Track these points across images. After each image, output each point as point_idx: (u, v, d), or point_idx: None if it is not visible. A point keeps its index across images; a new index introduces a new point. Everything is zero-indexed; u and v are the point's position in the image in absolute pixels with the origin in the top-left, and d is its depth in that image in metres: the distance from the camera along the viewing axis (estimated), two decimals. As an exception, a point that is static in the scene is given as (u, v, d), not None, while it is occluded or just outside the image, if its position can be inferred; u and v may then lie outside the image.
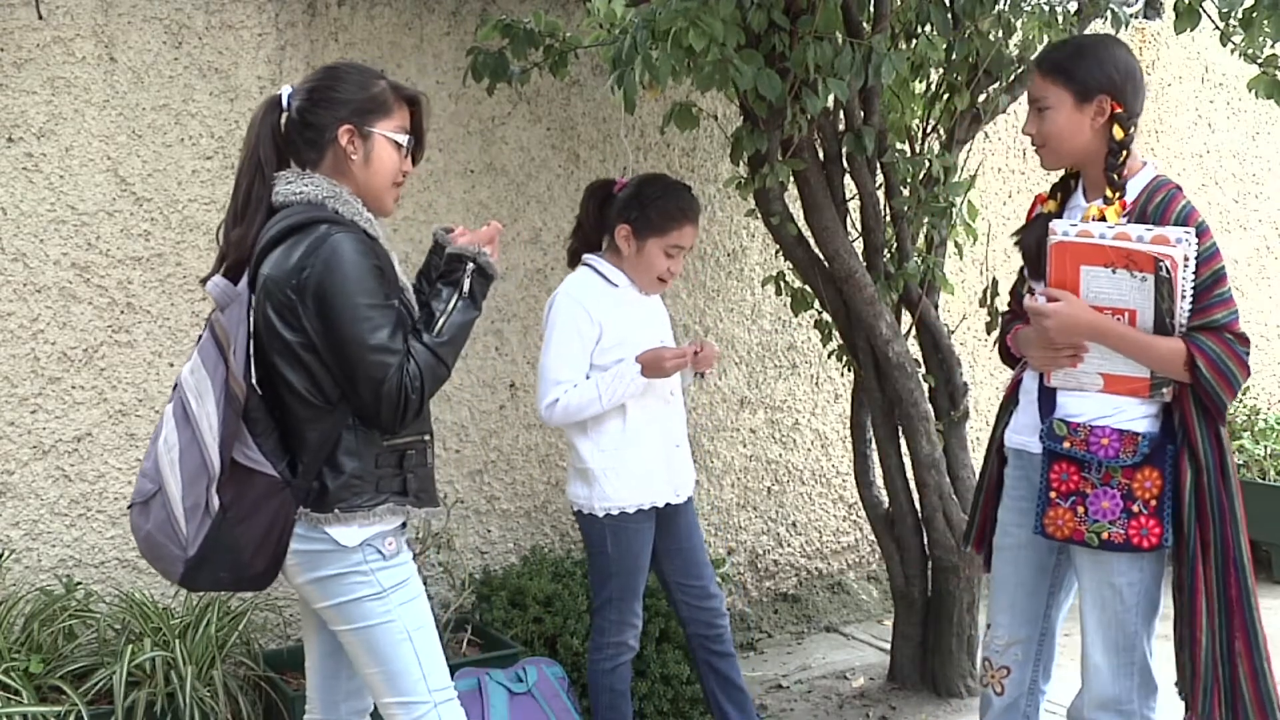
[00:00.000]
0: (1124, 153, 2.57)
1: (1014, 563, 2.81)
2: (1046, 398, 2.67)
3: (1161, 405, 2.58)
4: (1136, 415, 2.58)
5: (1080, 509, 2.58)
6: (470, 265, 2.42)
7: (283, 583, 2.44)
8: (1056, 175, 2.83)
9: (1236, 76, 5.37)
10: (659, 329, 3.30)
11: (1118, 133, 2.56)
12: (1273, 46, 3.44)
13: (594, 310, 3.16)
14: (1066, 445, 2.60)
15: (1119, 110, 2.56)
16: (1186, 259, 2.47)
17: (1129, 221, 2.54)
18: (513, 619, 3.80)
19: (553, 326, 3.18)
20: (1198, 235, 2.49)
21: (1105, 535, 2.56)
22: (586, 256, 3.28)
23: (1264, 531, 5.13)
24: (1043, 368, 2.67)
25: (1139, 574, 2.60)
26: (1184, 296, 2.49)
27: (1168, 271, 2.45)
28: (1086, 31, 3.89)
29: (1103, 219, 2.55)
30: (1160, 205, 2.55)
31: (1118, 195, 2.57)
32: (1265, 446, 5.34)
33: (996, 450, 2.87)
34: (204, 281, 2.40)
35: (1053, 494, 2.62)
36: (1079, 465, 2.59)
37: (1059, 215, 2.69)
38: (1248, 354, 2.53)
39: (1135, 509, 2.54)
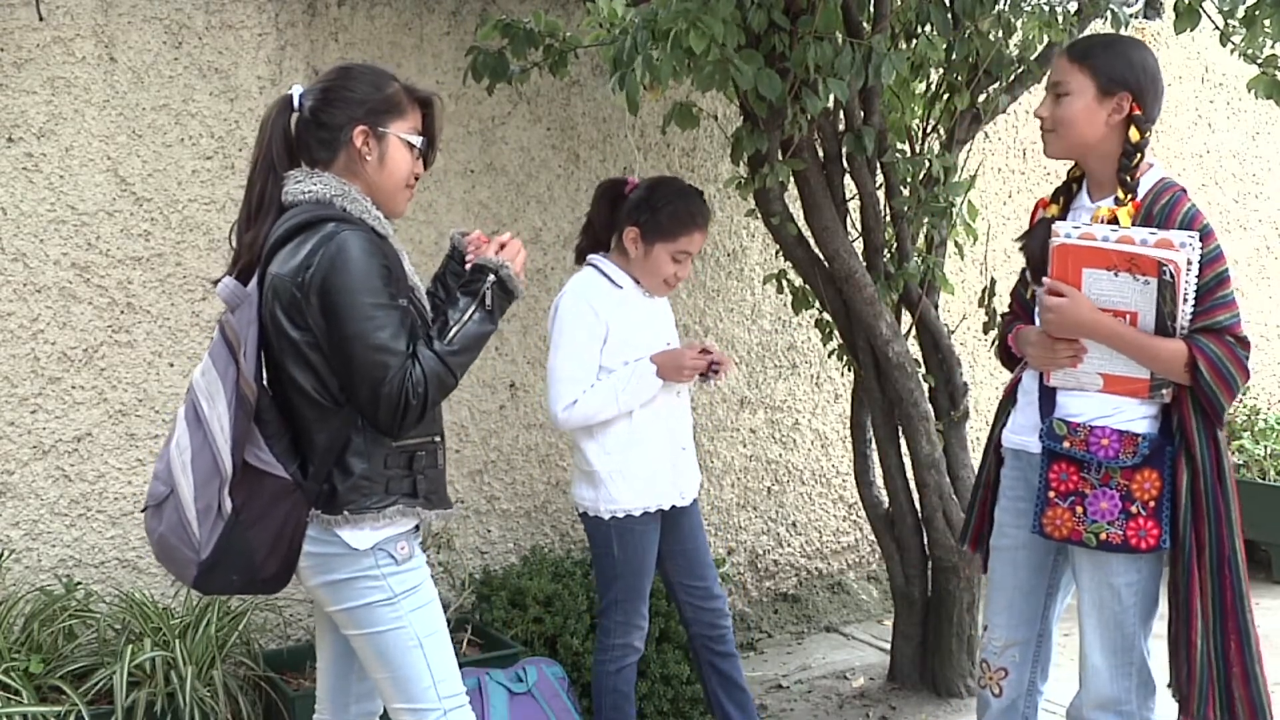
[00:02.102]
0: (1138, 155, 2.56)
1: (1011, 564, 2.81)
2: (1047, 397, 2.67)
3: (1161, 406, 2.58)
4: (1136, 416, 2.58)
5: (1079, 509, 2.58)
6: (492, 277, 2.41)
7: (282, 582, 2.44)
8: (1058, 175, 2.82)
9: (1236, 76, 5.37)
10: (663, 330, 3.29)
11: (1134, 135, 2.56)
12: (1273, 46, 3.44)
13: (600, 310, 3.15)
14: (1066, 445, 2.59)
15: (1138, 112, 2.56)
16: (1190, 263, 2.46)
17: (1136, 223, 2.54)
18: (513, 619, 3.80)
19: (561, 328, 3.16)
20: (1202, 238, 2.49)
21: (1103, 536, 2.56)
22: (591, 257, 3.27)
23: (1264, 531, 5.13)
24: (1042, 367, 2.67)
25: (1137, 575, 2.60)
26: (1186, 300, 2.49)
27: (1171, 276, 2.45)
28: (1086, 32, 3.89)
29: (1114, 220, 2.54)
30: (1166, 207, 2.54)
31: (1130, 197, 2.56)
32: (1265, 446, 5.34)
33: (994, 450, 2.87)
34: (216, 283, 2.40)
35: (1051, 494, 2.61)
36: (1078, 465, 2.59)
37: (1062, 219, 2.69)
38: (1248, 357, 2.53)
39: (1134, 510, 2.54)
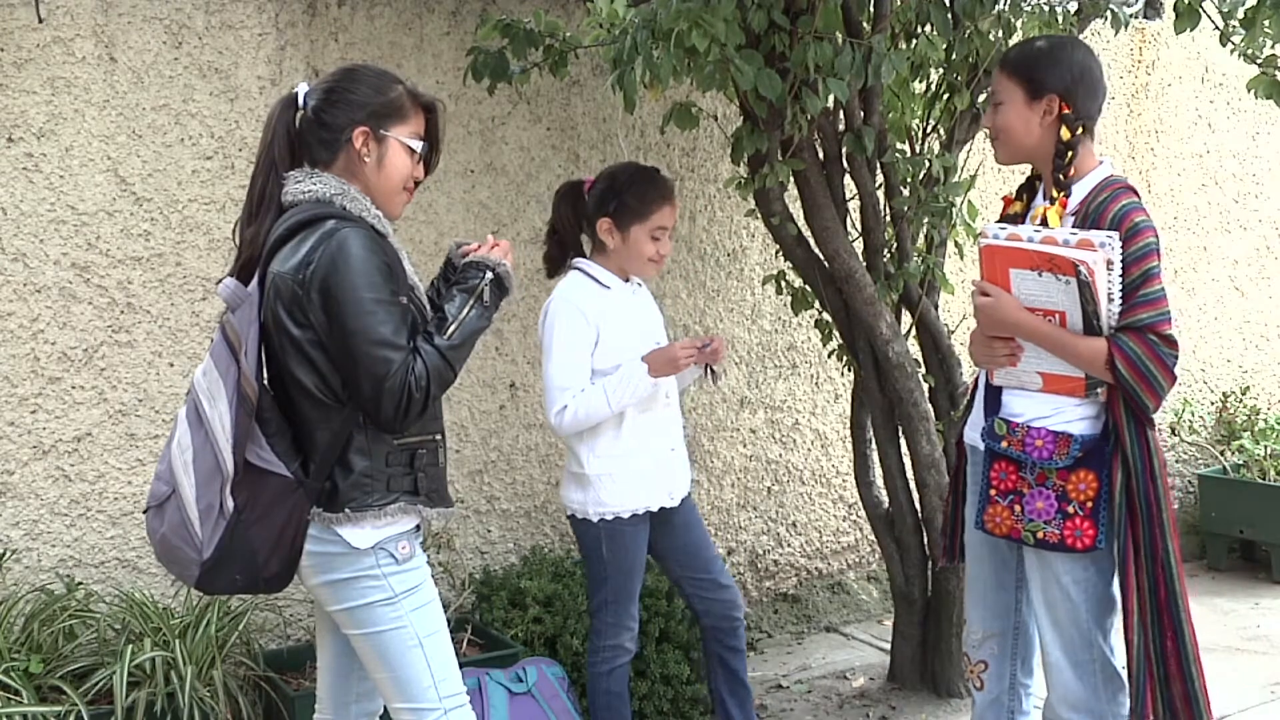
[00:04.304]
0: (1069, 154, 2.61)
1: (977, 558, 2.87)
2: (992, 396, 2.72)
3: (1102, 407, 2.60)
4: (1073, 417, 2.61)
5: (1017, 507, 2.63)
6: (489, 274, 2.43)
7: (282, 582, 2.44)
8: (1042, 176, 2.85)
9: (1236, 76, 5.36)
10: (650, 328, 3.29)
11: (1064, 134, 2.61)
12: (1273, 47, 3.45)
13: (590, 313, 3.14)
14: (1005, 445, 2.64)
15: (1067, 111, 2.60)
16: (1110, 263, 2.49)
17: (1074, 221, 2.58)
18: (513, 619, 3.80)
19: (551, 333, 3.16)
20: (1133, 235, 2.50)
21: (1040, 535, 2.60)
22: (576, 261, 3.27)
23: (1264, 531, 5.14)
24: (983, 365, 2.73)
25: (1083, 573, 2.63)
26: (1111, 299, 2.51)
27: (1086, 275, 2.48)
28: (1086, 32, 3.90)
29: (1044, 219, 2.59)
30: (1100, 205, 2.57)
31: (1061, 195, 2.61)
32: (1265, 446, 5.33)
33: (957, 447, 2.93)
34: (219, 283, 2.41)
35: (993, 491, 2.66)
36: (1016, 465, 2.63)
37: (1024, 215, 2.74)
38: (1173, 357, 2.53)
39: (1070, 510, 2.58)
